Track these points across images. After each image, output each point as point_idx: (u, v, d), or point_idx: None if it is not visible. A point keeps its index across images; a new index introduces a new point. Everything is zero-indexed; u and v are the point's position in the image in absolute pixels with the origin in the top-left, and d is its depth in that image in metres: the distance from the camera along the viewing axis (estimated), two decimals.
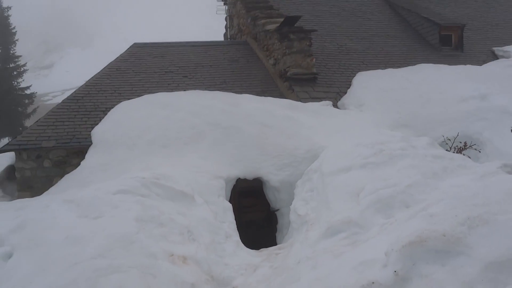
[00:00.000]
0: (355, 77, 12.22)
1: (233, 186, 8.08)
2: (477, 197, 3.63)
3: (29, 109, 29.78)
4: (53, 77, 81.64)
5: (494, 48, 14.92)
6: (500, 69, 13.16)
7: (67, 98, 11.36)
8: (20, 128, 27.51)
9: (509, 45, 14.92)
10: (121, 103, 10.05)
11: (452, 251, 3.09)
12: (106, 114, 9.88)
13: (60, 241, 5.01)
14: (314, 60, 12.15)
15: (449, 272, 2.99)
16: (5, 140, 26.76)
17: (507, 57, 14.13)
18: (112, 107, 10.00)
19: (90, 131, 9.38)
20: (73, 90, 12.25)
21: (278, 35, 12.43)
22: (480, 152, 9.54)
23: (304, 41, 12.05)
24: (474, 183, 4.97)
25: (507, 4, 18.66)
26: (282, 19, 12.55)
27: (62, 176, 8.79)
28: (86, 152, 8.80)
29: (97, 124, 9.52)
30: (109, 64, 13.11)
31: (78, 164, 8.61)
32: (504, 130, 8.46)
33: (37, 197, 7.49)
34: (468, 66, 13.17)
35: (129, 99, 10.32)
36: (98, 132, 9.09)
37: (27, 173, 9.74)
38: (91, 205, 5.70)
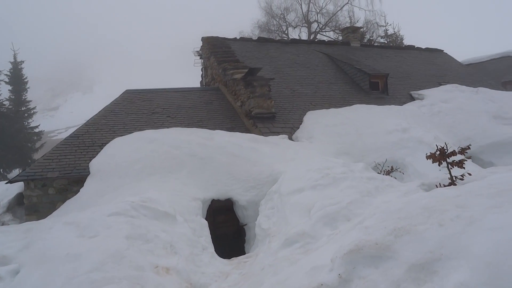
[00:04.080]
0: (305, 115, 12.39)
1: (209, 206, 7.96)
2: (401, 211, 3.67)
3: (38, 144, 28.80)
4: (58, 117, 79.58)
5: (411, 92, 15.50)
6: (416, 108, 13.71)
7: (69, 136, 11.01)
8: (29, 161, 26.44)
9: (423, 89, 15.57)
10: (115, 139, 9.83)
11: (383, 256, 3.11)
12: (102, 148, 9.63)
13: (61, 258, 4.79)
14: (273, 102, 12.30)
15: (382, 273, 3.00)
16: (16, 171, 25.61)
17: (421, 99, 14.70)
18: (107, 143, 9.77)
19: (89, 163, 9.12)
20: (76, 128, 11.89)
21: (243, 83, 12.55)
22: (403, 174, 9.80)
23: (264, 87, 12.20)
24: (399, 199, 5.07)
25: (417, 59, 19.64)
26: (246, 70, 12.71)
27: (64, 201, 8.44)
28: (85, 180, 8.55)
29: (94, 157, 9.28)
30: (105, 106, 12.86)
31: (78, 191, 8.34)
32: (421, 155, 8.70)
33: (42, 220, 7.17)
34: (392, 106, 13.62)
35: (121, 135, 10.12)
36: (95, 164, 8.86)
37: (34, 200, 9.31)
38: (88, 226, 5.49)
